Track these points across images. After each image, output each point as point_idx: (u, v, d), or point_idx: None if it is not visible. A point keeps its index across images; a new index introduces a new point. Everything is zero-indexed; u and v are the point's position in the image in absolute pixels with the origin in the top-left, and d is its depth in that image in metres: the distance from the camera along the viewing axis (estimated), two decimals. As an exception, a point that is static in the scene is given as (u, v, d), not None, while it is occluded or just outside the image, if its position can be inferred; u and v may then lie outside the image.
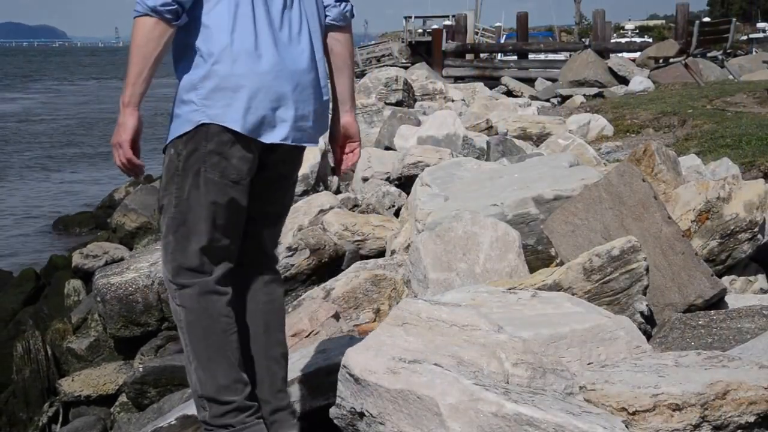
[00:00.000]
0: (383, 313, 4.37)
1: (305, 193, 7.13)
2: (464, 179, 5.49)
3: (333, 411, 2.50)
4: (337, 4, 2.64)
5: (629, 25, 61.71)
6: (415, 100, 15.25)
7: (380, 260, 5.07)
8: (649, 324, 3.43)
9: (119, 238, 10.86)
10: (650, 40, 34.75)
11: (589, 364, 2.75)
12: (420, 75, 18.32)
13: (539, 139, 9.35)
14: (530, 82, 23.65)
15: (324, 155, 7.42)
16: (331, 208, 6.24)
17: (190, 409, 2.93)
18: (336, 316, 4.08)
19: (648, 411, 2.28)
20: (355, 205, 6.71)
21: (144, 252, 7.19)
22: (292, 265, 5.28)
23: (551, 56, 32.57)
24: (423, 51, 32.81)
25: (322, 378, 2.93)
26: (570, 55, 24.80)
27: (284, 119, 2.48)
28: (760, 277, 4.24)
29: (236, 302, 2.61)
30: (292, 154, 2.62)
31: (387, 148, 8.90)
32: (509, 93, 21.04)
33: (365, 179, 7.41)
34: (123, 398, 5.28)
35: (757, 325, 3.24)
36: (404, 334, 2.46)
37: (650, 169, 4.63)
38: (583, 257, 3.44)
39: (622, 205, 3.78)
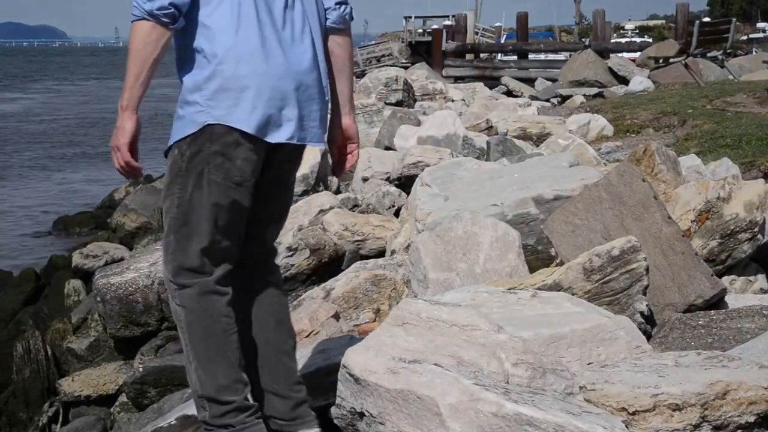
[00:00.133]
0: (383, 313, 4.37)
1: (305, 193, 7.13)
2: (464, 179, 5.49)
3: (333, 411, 2.51)
4: (337, 6, 2.65)
5: (629, 25, 61.63)
6: (415, 100, 15.25)
7: (380, 260, 5.07)
8: (649, 324, 3.42)
9: (119, 238, 10.85)
10: (650, 40, 34.73)
11: (589, 364, 2.75)
12: (420, 75, 18.34)
13: (539, 139, 9.35)
14: (530, 82, 23.65)
15: (324, 155, 7.41)
16: (331, 208, 6.24)
17: (190, 409, 2.93)
18: (336, 316, 4.09)
19: (648, 411, 2.28)
20: (355, 205, 6.71)
21: (144, 252, 7.18)
22: (292, 265, 5.28)
23: (551, 56, 32.56)
24: (423, 51, 32.80)
25: (322, 378, 2.93)
26: (570, 55, 24.80)
27: (290, 118, 2.48)
28: (760, 277, 4.23)
29: (244, 304, 2.62)
30: (295, 153, 2.63)
31: (387, 148, 8.90)
32: (509, 93, 21.04)
33: (365, 179, 7.41)
34: (123, 398, 5.27)
35: (757, 325, 3.24)
36: (404, 334, 2.46)
37: (650, 169, 4.63)
38: (583, 257, 3.44)
39: (622, 205, 3.78)
